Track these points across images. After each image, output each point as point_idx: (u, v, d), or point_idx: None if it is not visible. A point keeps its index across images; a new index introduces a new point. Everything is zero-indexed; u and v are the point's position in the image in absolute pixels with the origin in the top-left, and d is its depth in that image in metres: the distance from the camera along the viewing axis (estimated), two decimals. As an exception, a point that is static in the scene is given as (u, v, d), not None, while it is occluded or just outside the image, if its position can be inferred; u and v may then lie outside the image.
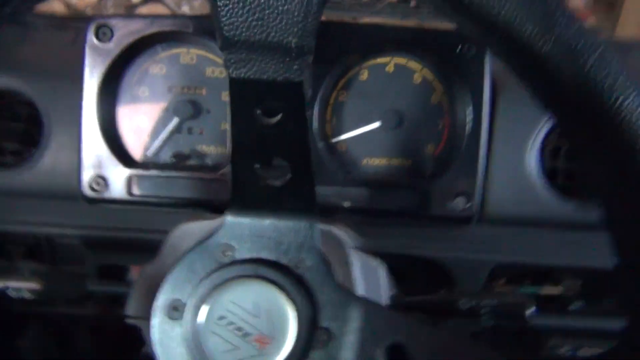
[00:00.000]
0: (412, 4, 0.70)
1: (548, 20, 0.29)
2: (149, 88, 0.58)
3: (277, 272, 0.37)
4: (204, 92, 0.58)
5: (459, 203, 0.56)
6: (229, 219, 0.38)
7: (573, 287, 0.68)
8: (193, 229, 0.46)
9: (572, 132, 0.31)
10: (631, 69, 0.67)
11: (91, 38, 0.55)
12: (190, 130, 0.59)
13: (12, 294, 0.48)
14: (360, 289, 0.46)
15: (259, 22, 0.31)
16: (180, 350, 0.38)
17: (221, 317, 0.37)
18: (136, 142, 0.58)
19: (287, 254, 0.38)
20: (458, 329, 0.54)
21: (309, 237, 0.38)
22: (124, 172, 0.56)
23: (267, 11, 0.31)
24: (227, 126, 0.58)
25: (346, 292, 0.39)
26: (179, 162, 0.58)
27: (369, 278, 0.48)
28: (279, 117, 0.35)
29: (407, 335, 0.37)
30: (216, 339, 0.37)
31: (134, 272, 0.66)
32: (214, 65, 0.58)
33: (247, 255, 0.38)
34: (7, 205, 0.61)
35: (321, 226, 0.46)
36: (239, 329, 0.37)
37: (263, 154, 0.37)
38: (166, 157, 0.59)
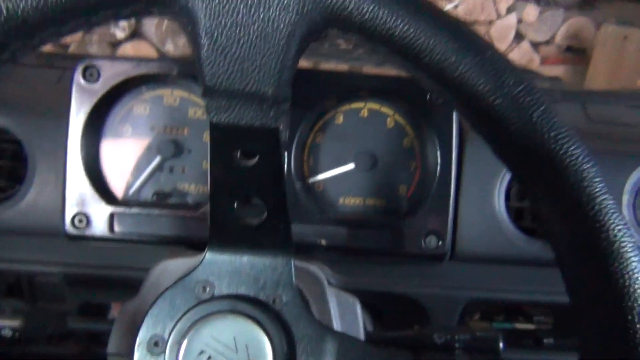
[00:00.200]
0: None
1: (498, 78, 0.32)
2: (133, 127, 0.60)
3: (255, 307, 0.39)
4: (186, 132, 0.60)
5: (431, 241, 0.59)
6: (208, 256, 0.40)
7: (545, 323, 0.70)
8: (173, 266, 0.47)
9: (521, 179, 0.34)
10: (599, 116, 0.71)
11: (78, 78, 0.57)
12: (172, 169, 0.60)
13: (-8, 331, 0.48)
14: (336, 325, 0.47)
15: (239, 73, 0.33)
16: (161, 385, 0.39)
17: (201, 352, 0.38)
18: (119, 180, 0.60)
19: (264, 290, 0.40)
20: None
21: (286, 273, 0.40)
22: (106, 209, 0.57)
23: (246, 63, 0.33)
24: (207, 166, 0.60)
25: (322, 327, 0.40)
26: (161, 200, 0.60)
27: (345, 314, 0.49)
28: (255, 159, 0.37)
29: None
30: (195, 374, 0.38)
31: (115, 310, 0.66)
32: (196, 106, 0.61)
33: (225, 291, 0.40)
34: None
35: (298, 263, 0.48)
36: (218, 363, 0.38)
37: (240, 194, 0.39)
38: (148, 195, 0.60)
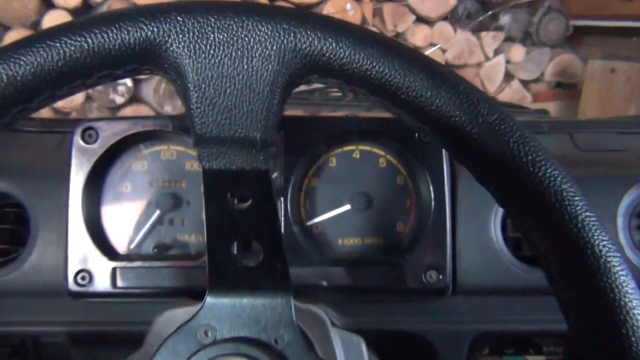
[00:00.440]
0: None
1: (473, 109, 0.33)
2: (132, 184, 0.62)
3: (257, 349, 0.39)
4: (184, 185, 0.62)
5: (432, 276, 0.59)
6: (209, 300, 0.41)
7: (556, 353, 0.69)
8: (176, 315, 0.48)
9: (505, 204, 0.35)
10: (587, 144, 0.72)
11: (77, 140, 0.59)
12: (171, 222, 0.62)
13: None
14: (342, 365, 0.47)
15: (227, 121, 0.35)
16: None
17: (205, 398, 0.38)
18: (120, 235, 0.61)
19: (265, 331, 0.40)
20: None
21: (286, 313, 0.40)
22: (109, 265, 0.58)
23: (234, 111, 0.35)
24: None
25: (325, 365, 0.40)
26: (162, 252, 0.60)
27: (351, 354, 0.49)
28: (249, 202, 0.38)
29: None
30: (201, 420, 0.38)
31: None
32: (192, 159, 0.62)
33: (227, 334, 0.40)
34: None
35: (300, 305, 0.48)
36: (223, 408, 0.38)
37: (236, 237, 0.40)
38: (149, 248, 0.61)
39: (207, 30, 0.34)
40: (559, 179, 0.32)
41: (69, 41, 0.33)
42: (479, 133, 0.33)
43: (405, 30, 2.76)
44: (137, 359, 0.46)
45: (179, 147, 0.63)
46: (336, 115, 0.80)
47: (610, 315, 0.31)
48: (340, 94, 0.87)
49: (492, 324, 0.64)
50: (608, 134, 0.77)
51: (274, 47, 0.34)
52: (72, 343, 0.62)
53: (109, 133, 0.60)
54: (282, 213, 0.60)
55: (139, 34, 0.33)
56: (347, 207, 0.62)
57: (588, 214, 0.32)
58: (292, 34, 0.34)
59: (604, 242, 0.32)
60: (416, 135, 0.60)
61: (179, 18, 0.34)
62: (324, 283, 0.59)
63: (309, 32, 0.34)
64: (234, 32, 0.34)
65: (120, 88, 2.46)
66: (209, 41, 0.34)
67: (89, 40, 0.33)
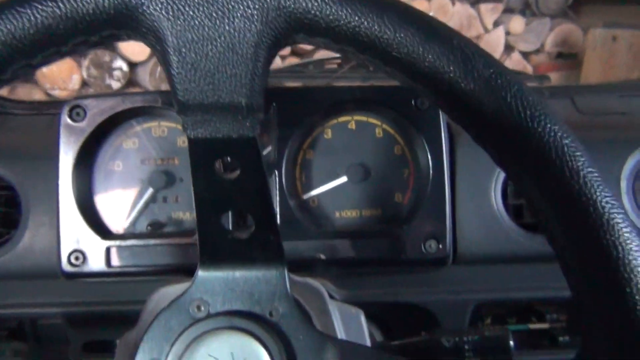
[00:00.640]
0: (372, 68, 0.76)
1: (467, 63, 0.32)
2: (123, 162, 0.60)
3: (251, 322, 0.38)
4: (176, 161, 0.61)
5: (432, 246, 0.58)
6: (201, 274, 0.39)
7: (559, 320, 0.68)
8: (170, 292, 0.47)
9: (503, 163, 0.34)
10: (589, 108, 0.71)
11: (65, 118, 0.58)
12: (165, 199, 0.60)
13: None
14: (341, 336, 0.46)
15: (210, 86, 0.34)
16: (162, 410, 0.38)
17: (199, 372, 0.37)
18: (113, 214, 0.60)
19: (259, 304, 0.39)
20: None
21: (280, 285, 0.39)
22: (102, 244, 0.57)
23: (217, 76, 0.33)
24: None
25: (322, 336, 0.39)
26: (156, 230, 0.59)
27: (350, 326, 0.48)
28: (237, 172, 0.37)
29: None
30: (196, 395, 0.37)
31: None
32: (184, 135, 0.61)
33: (220, 308, 0.39)
34: None
35: (297, 279, 0.47)
36: (218, 382, 0.37)
37: (226, 208, 0.39)
38: (143, 227, 0.60)
39: None
40: (559, 133, 0.31)
41: (39, 7, 0.31)
42: (475, 88, 0.32)
43: (402, 4, 2.71)
44: (132, 337, 0.45)
45: (170, 124, 0.61)
46: (330, 85, 0.78)
47: (613, 274, 0.30)
48: (335, 65, 0.85)
49: (493, 292, 0.63)
50: (610, 97, 0.75)
51: (257, 6, 0.33)
52: (68, 324, 0.61)
53: (97, 110, 0.58)
54: (277, 187, 0.59)
55: None
56: (344, 179, 0.60)
57: (590, 169, 0.31)
58: None
59: (607, 199, 0.30)
60: (413, 102, 0.59)
61: None
62: (322, 256, 0.58)
63: None
64: None
65: (116, 73, 2.43)
66: (188, 2, 0.32)
67: (61, 5, 0.31)
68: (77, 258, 0.57)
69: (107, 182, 0.60)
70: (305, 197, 0.61)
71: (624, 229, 0.30)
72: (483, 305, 0.63)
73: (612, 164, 0.61)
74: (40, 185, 0.60)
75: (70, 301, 0.61)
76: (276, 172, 0.59)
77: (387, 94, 0.60)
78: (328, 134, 0.61)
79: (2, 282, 0.60)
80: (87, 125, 0.58)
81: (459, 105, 0.33)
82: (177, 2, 0.32)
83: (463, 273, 0.61)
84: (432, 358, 0.50)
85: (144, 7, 0.32)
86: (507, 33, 2.92)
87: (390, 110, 0.60)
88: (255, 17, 0.33)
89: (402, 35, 0.32)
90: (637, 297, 0.29)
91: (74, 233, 0.57)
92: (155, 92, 0.60)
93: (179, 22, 0.33)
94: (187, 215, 0.60)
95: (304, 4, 0.33)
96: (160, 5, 0.32)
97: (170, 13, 0.32)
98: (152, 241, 0.57)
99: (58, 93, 2.38)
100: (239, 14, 0.33)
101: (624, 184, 0.62)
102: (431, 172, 0.59)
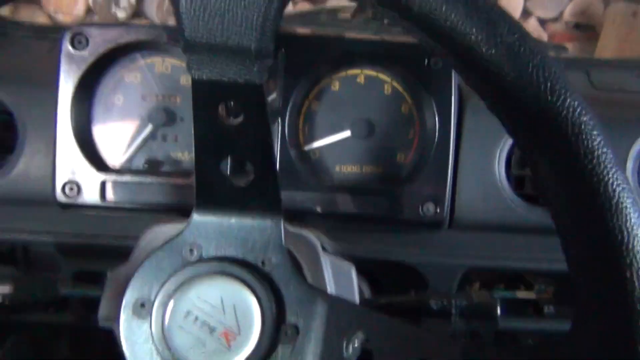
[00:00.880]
0: (386, 21, 0.74)
1: (491, 27, 0.30)
2: (124, 96, 0.59)
3: (243, 269, 0.38)
4: (178, 100, 0.59)
5: (429, 208, 0.57)
6: (195, 217, 0.39)
7: (547, 291, 0.69)
8: (163, 231, 0.46)
9: (515, 132, 0.33)
10: (603, 83, 0.69)
11: (66, 46, 0.56)
12: (164, 138, 0.59)
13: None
14: (330, 290, 0.46)
15: (219, 27, 0.32)
16: (148, 347, 0.38)
17: (188, 313, 0.37)
18: (110, 148, 0.59)
19: (252, 252, 0.39)
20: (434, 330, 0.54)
21: (275, 235, 0.39)
22: (98, 177, 0.56)
23: (227, 16, 0.32)
24: None
25: (312, 289, 0.39)
26: (153, 168, 0.59)
27: (340, 280, 0.48)
28: (241, 118, 0.36)
29: (371, 329, 0.38)
30: (183, 335, 0.37)
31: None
32: (188, 74, 0.59)
33: (213, 253, 0.39)
34: None
35: (291, 229, 0.47)
36: (206, 324, 0.37)
37: (226, 154, 0.38)
38: (140, 163, 0.59)
39: None
40: (578, 109, 0.30)
41: None
42: (496, 54, 0.30)
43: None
44: (123, 272, 0.45)
45: (174, 60, 0.59)
46: (342, 36, 0.76)
47: (616, 257, 0.29)
48: (348, 15, 0.82)
49: (485, 259, 0.63)
50: (626, 74, 0.74)
51: None
52: (60, 253, 0.61)
53: (100, 40, 0.56)
54: (279, 135, 0.58)
55: None
56: (347, 133, 0.59)
57: (605, 149, 0.30)
58: None
59: (619, 182, 0.30)
60: (426, 61, 0.57)
61: None
62: (318, 209, 0.58)
63: None
64: None
65: (123, 2, 2.37)
66: None
67: None
68: (71, 189, 0.56)
69: (106, 115, 0.59)
70: (306, 148, 0.60)
71: (632, 214, 0.30)
72: (473, 271, 0.63)
73: (621, 143, 0.60)
74: (38, 111, 0.59)
75: (63, 231, 0.60)
76: (279, 120, 0.58)
77: (401, 50, 0.58)
78: (335, 86, 0.60)
79: (-4, 206, 0.60)
80: (88, 55, 0.57)
81: (477, 69, 0.32)
82: None
83: (457, 238, 0.61)
84: (418, 318, 0.51)
85: None
86: (527, -2, 2.84)
87: (402, 68, 0.58)
88: None
89: None
90: (636, 283, 0.29)
91: (69, 164, 0.56)
92: (161, 27, 0.58)
93: None
94: (186, 156, 0.59)
95: None
96: None
97: None
98: (148, 178, 0.57)
99: (62, 18, 2.32)
100: None
101: (630, 164, 0.61)
102: (437, 134, 0.58)
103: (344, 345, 0.37)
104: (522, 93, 0.31)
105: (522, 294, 0.66)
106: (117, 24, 0.75)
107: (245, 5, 0.32)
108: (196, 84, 0.35)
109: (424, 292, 0.55)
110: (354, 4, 0.60)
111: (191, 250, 0.39)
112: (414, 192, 0.57)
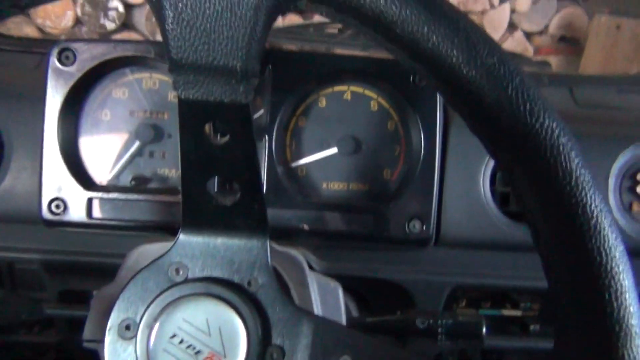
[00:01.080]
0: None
1: (472, 49, 0.31)
2: (111, 112, 0.59)
3: (229, 290, 0.38)
4: (166, 116, 0.59)
5: (415, 226, 0.58)
6: (182, 237, 0.39)
7: (532, 309, 0.70)
8: (150, 250, 0.46)
9: (496, 154, 0.33)
10: (586, 100, 0.70)
11: (53, 61, 0.56)
12: (151, 154, 0.59)
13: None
14: (317, 310, 0.46)
15: (206, 47, 0.32)
16: (132, 369, 0.38)
17: (173, 335, 0.37)
18: (97, 165, 0.59)
19: (239, 273, 0.39)
20: (421, 351, 0.55)
21: (261, 255, 0.39)
22: (84, 194, 0.56)
23: (213, 36, 0.32)
24: None
25: (298, 310, 0.39)
26: (140, 185, 0.59)
27: (327, 299, 0.48)
28: (227, 137, 0.36)
29: (357, 351, 0.38)
30: (168, 358, 0.37)
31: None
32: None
33: (199, 273, 0.39)
34: None
35: (278, 248, 0.47)
36: (191, 346, 0.37)
37: (212, 174, 0.38)
38: (127, 180, 0.59)
39: None
40: (557, 131, 0.30)
41: None
42: (476, 76, 0.31)
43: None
44: (109, 292, 0.45)
45: (162, 76, 0.60)
46: (329, 52, 0.77)
47: (594, 279, 0.30)
48: (336, 30, 0.83)
49: (471, 277, 0.63)
50: (609, 91, 0.75)
51: None
52: (46, 271, 0.61)
53: (87, 56, 0.56)
54: (266, 152, 0.58)
55: None
56: (334, 150, 0.60)
57: (583, 171, 0.30)
58: None
59: (596, 203, 0.30)
60: (411, 79, 0.58)
61: None
62: (305, 226, 0.58)
63: None
64: None
65: (111, 13, 2.37)
66: None
67: None
68: (57, 206, 0.56)
69: (94, 131, 0.59)
70: (293, 165, 0.60)
71: (610, 235, 0.30)
72: (460, 288, 0.64)
73: (603, 160, 0.61)
74: (25, 128, 0.58)
75: (48, 248, 0.60)
76: (266, 137, 0.58)
77: (387, 67, 0.59)
78: (322, 102, 0.60)
79: (-20, 223, 0.59)
80: (76, 70, 0.57)
81: (458, 91, 0.32)
82: None
83: (444, 255, 0.62)
84: (405, 338, 0.51)
85: None
86: (513, 11, 2.87)
87: (388, 85, 0.59)
88: None
89: (407, 12, 0.31)
90: (615, 304, 0.30)
91: (56, 181, 0.56)
92: (149, 42, 0.58)
93: None
94: (173, 173, 0.59)
95: None
96: None
97: None
98: (135, 196, 0.57)
99: (50, 29, 2.31)
100: None
101: (611, 181, 0.62)
102: (422, 151, 0.58)
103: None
104: (501, 114, 0.31)
105: (508, 312, 0.66)
106: (104, 39, 0.74)
107: (230, 25, 0.32)
108: (182, 104, 0.35)
109: (410, 310, 0.55)
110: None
111: (177, 270, 0.39)
112: (401, 209, 0.57)
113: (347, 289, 0.51)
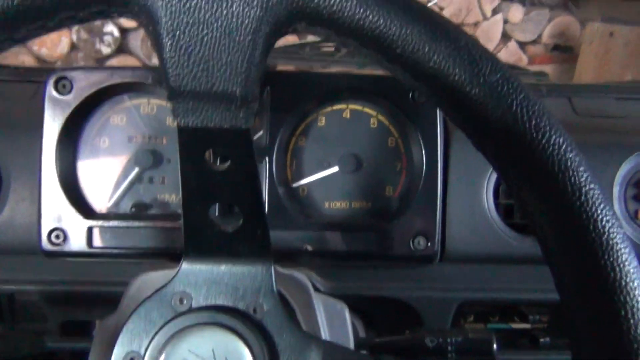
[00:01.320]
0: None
1: (474, 67, 0.30)
2: (110, 138, 0.59)
3: (235, 318, 0.37)
4: (164, 141, 0.59)
5: (420, 243, 0.57)
6: (185, 266, 0.38)
7: (541, 321, 0.69)
8: (152, 278, 0.45)
9: (503, 172, 0.33)
10: (586, 109, 0.70)
11: (50, 90, 0.56)
12: (151, 180, 0.59)
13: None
14: (324, 333, 0.46)
15: (204, 73, 0.32)
16: (138, 403, 0.37)
17: (179, 367, 0.36)
18: (96, 193, 0.58)
19: (244, 300, 0.38)
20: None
21: (266, 281, 0.38)
22: (84, 223, 0.55)
23: (211, 62, 0.32)
24: None
25: (306, 336, 0.39)
26: (140, 211, 0.58)
27: (334, 321, 0.48)
28: (228, 163, 0.36)
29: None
30: (174, 390, 0.36)
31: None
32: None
33: (203, 302, 0.38)
34: None
35: (282, 270, 0.46)
36: (197, 378, 0.36)
37: (214, 200, 0.37)
38: (127, 207, 0.58)
39: None
40: (563, 146, 0.30)
41: None
42: (480, 94, 0.30)
43: (402, -14, 2.68)
44: (112, 323, 0.44)
45: (160, 101, 0.59)
46: (327, 71, 0.77)
47: (609, 295, 0.29)
48: (332, 49, 0.83)
49: (479, 292, 0.62)
50: (607, 99, 0.75)
51: None
52: (47, 302, 0.60)
53: (84, 84, 0.56)
54: (266, 173, 0.57)
55: None
56: (335, 168, 0.59)
57: (592, 186, 0.30)
58: None
59: (607, 218, 0.30)
60: (410, 95, 0.57)
61: None
62: (309, 247, 0.57)
63: None
64: None
65: (107, 38, 2.38)
66: None
67: None
68: (57, 236, 0.55)
69: (92, 158, 0.59)
70: (294, 185, 0.59)
71: (623, 250, 0.30)
72: (467, 303, 0.63)
73: (606, 169, 0.61)
74: (22, 157, 0.58)
75: (49, 279, 0.59)
76: (266, 158, 0.58)
77: (385, 84, 0.58)
78: (322, 121, 0.60)
79: (-21, 256, 0.58)
80: (73, 99, 0.56)
81: (462, 109, 0.32)
82: None
83: (450, 271, 0.61)
84: (414, 357, 0.50)
85: None
86: (506, 21, 2.89)
87: (387, 101, 0.59)
88: (255, 3, 0.31)
89: (407, 32, 0.31)
90: (631, 321, 0.29)
91: (55, 211, 0.55)
92: (146, 68, 0.58)
93: (174, 2, 0.31)
94: (173, 198, 0.59)
95: None
96: None
97: None
98: (135, 223, 0.56)
99: (46, 56, 2.32)
100: None
101: (616, 190, 0.61)
102: (424, 167, 0.58)
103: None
104: (507, 131, 0.31)
105: (517, 325, 0.65)
106: (101, 67, 0.74)
107: (229, 51, 0.32)
108: (182, 131, 0.35)
109: (419, 328, 0.55)
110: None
111: (181, 300, 0.38)
112: (404, 226, 0.57)
113: (353, 309, 0.50)
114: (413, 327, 0.55)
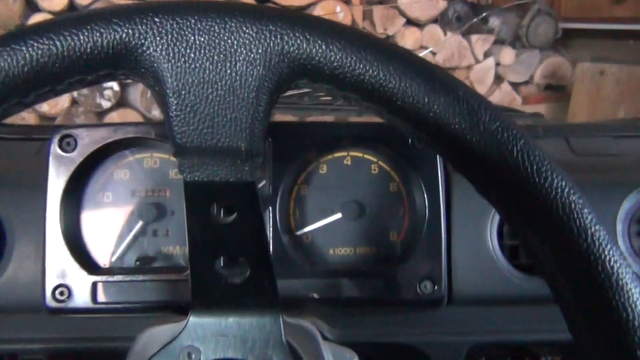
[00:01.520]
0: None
1: (473, 116, 0.31)
2: (113, 193, 0.59)
3: (244, 372, 0.37)
4: (167, 194, 0.59)
5: (427, 287, 0.57)
6: (192, 319, 0.38)
7: (553, 362, 0.68)
8: (159, 333, 0.45)
9: (508, 217, 0.33)
10: (583, 149, 0.71)
11: (55, 148, 0.56)
12: (155, 233, 0.59)
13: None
14: (334, 382, 0.45)
15: (210, 130, 0.33)
16: None
17: None
18: (101, 248, 0.58)
19: (253, 352, 0.38)
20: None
21: (275, 332, 0.38)
22: (88, 279, 0.55)
23: (216, 119, 0.33)
24: None
25: (316, 387, 0.38)
26: (144, 265, 0.58)
27: (343, 370, 0.47)
28: (234, 216, 0.36)
29: None
30: None
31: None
32: (177, 167, 0.60)
33: (212, 356, 0.38)
34: None
35: (289, 319, 0.46)
36: None
37: (221, 253, 0.37)
38: (131, 261, 0.58)
39: (186, 32, 0.31)
40: (566, 190, 0.30)
41: (35, 44, 0.30)
42: (480, 142, 0.31)
43: (395, 33, 2.75)
44: (118, 380, 0.43)
45: (162, 155, 0.60)
46: (326, 120, 0.78)
47: (623, 337, 0.29)
48: (330, 97, 0.85)
49: (488, 334, 0.62)
50: (604, 138, 0.76)
51: (260, 50, 0.32)
52: (51, 360, 0.59)
53: (88, 141, 0.57)
54: (270, 222, 0.57)
55: (112, 36, 0.31)
56: (339, 215, 0.59)
57: (597, 227, 0.30)
58: (278, 36, 0.32)
59: (615, 258, 0.30)
60: (409, 141, 0.58)
61: (156, 19, 0.31)
62: (315, 295, 0.57)
63: (297, 34, 0.32)
64: (216, 34, 0.32)
65: (107, 92, 2.42)
66: (189, 44, 0.32)
67: (58, 43, 0.30)
68: (62, 293, 0.55)
69: (96, 214, 0.59)
70: (298, 233, 0.60)
71: (633, 290, 0.30)
72: (478, 347, 0.62)
73: (608, 207, 0.61)
74: (27, 215, 0.58)
75: (53, 337, 0.58)
76: (270, 208, 0.58)
77: (384, 131, 0.59)
78: (323, 169, 0.61)
79: (-17, 315, 0.58)
80: (77, 156, 0.57)
81: (463, 157, 0.33)
82: (178, 44, 0.31)
83: (458, 314, 0.60)
84: None
85: (144, 48, 0.31)
86: (498, 64, 2.96)
87: (386, 148, 0.60)
88: (258, 61, 0.32)
89: (407, 84, 0.32)
90: None
91: (59, 267, 0.55)
92: (148, 123, 0.59)
93: (179, 64, 0.32)
94: (178, 250, 0.59)
95: (308, 50, 0.32)
96: (160, 47, 0.31)
97: (171, 55, 0.32)
98: (140, 277, 0.56)
99: (47, 110, 2.36)
100: (241, 58, 0.32)
101: (619, 227, 0.61)
102: (427, 211, 0.58)
103: None
104: (509, 178, 0.32)
105: (529, 367, 0.64)
106: (104, 124, 0.75)
107: (233, 108, 0.33)
108: (188, 186, 0.35)
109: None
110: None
111: (189, 355, 0.38)
112: (410, 271, 0.57)
113: (362, 355, 0.49)
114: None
